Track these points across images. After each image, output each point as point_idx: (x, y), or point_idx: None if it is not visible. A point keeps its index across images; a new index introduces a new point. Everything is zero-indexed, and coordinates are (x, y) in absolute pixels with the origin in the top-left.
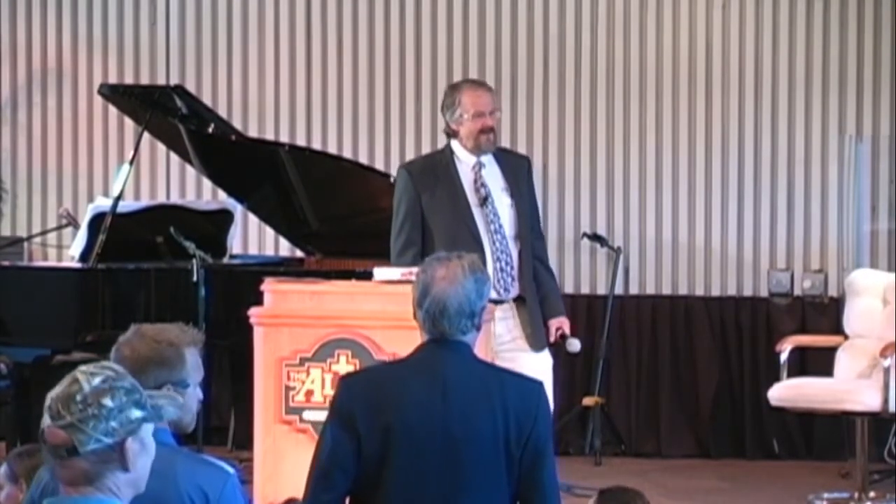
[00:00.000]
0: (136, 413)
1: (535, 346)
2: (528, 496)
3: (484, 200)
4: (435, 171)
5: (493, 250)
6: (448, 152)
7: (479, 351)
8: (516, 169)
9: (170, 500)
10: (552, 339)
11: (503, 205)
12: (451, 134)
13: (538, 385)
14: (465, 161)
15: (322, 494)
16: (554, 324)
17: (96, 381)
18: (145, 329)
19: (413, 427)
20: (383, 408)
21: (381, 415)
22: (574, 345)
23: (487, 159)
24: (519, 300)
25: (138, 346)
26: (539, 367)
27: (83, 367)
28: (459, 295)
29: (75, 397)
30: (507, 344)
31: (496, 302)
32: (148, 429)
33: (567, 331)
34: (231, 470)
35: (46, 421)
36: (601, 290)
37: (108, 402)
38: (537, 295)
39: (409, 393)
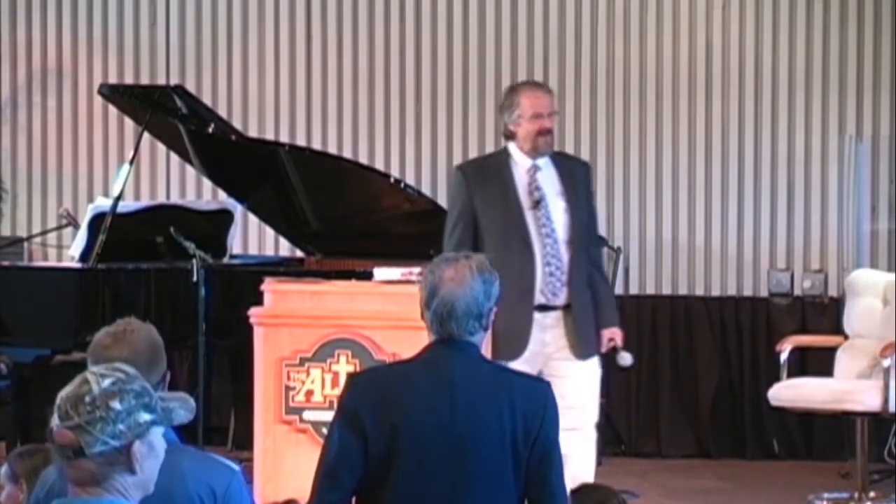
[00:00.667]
0: (145, 416)
1: (582, 354)
2: (536, 496)
3: (537, 203)
4: (490, 172)
5: (542, 254)
6: (504, 154)
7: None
8: (574, 173)
9: (178, 497)
10: (603, 349)
11: (557, 209)
12: (509, 136)
13: (545, 385)
14: (520, 163)
15: (329, 493)
16: (606, 334)
17: (106, 383)
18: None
19: (420, 427)
20: (390, 407)
21: (388, 414)
22: (625, 358)
23: (544, 162)
24: (568, 308)
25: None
26: (586, 376)
27: (94, 368)
28: (467, 296)
29: (84, 398)
30: (554, 353)
31: (544, 308)
32: (157, 432)
33: (619, 342)
34: (236, 467)
35: (55, 420)
36: None
37: (116, 404)
38: (591, 302)
39: (417, 393)
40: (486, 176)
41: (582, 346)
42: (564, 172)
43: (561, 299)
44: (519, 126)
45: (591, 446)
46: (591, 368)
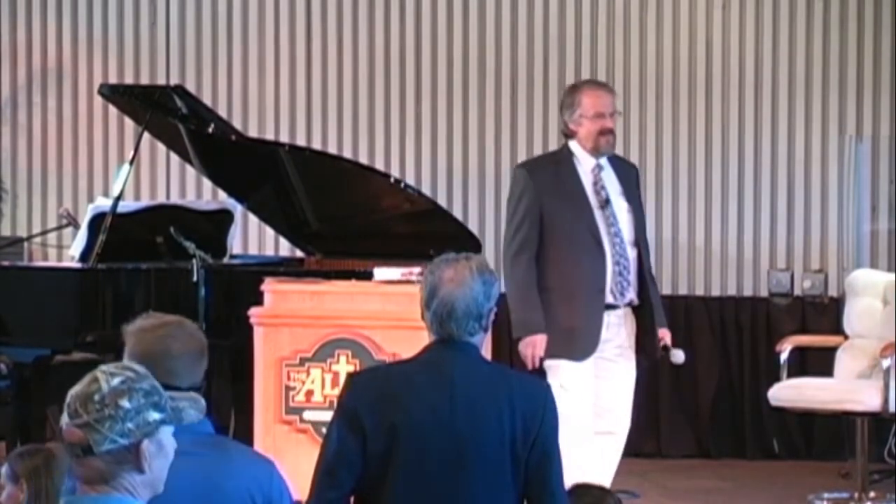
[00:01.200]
0: (154, 415)
1: (651, 353)
2: (536, 496)
3: (605, 203)
4: (555, 170)
5: (612, 253)
6: (567, 152)
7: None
8: (629, 176)
9: (230, 490)
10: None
11: (622, 209)
12: (569, 135)
13: (545, 386)
14: (584, 162)
15: (327, 492)
16: (658, 334)
17: (115, 381)
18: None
19: (419, 427)
20: (390, 407)
21: (387, 414)
22: (678, 356)
23: (604, 162)
24: (631, 307)
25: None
26: (627, 380)
27: (104, 367)
28: (467, 297)
29: (93, 397)
30: (612, 350)
31: (610, 307)
32: (166, 431)
33: (669, 342)
34: (272, 460)
35: (65, 419)
36: None
37: (125, 403)
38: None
39: (416, 393)
40: (552, 174)
41: (652, 344)
42: (622, 173)
43: (627, 299)
44: (580, 125)
45: (618, 455)
46: (633, 372)
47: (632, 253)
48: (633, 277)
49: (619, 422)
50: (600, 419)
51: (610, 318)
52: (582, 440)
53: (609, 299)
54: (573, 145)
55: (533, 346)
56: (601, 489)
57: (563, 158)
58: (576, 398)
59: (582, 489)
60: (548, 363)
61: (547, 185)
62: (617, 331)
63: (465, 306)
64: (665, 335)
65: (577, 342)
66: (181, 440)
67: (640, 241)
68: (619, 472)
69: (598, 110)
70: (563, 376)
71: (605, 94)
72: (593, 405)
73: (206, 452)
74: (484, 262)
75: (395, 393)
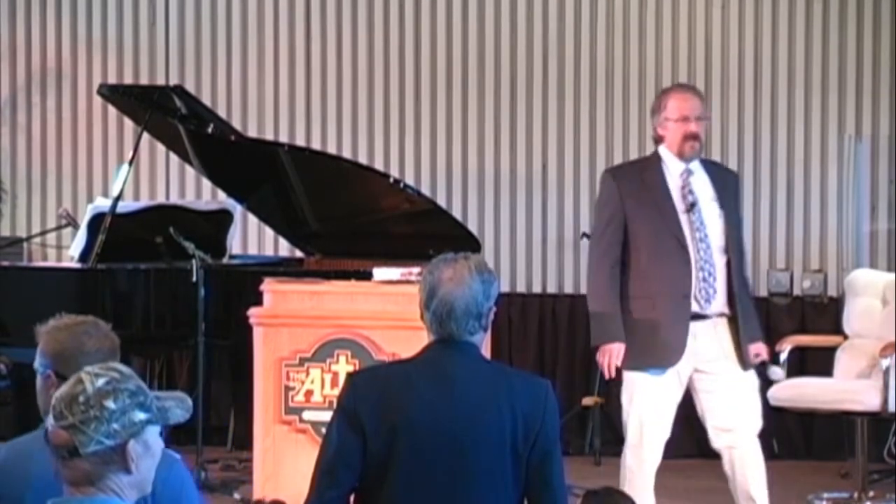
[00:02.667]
0: (140, 416)
1: (741, 368)
2: (537, 495)
3: (691, 207)
4: (641, 175)
5: (696, 259)
6: (655, 158)
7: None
8: (726, 182)
9: None
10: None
11: (712, 214)
12: (658, 139)
13: (545, 385)
14: (672, 167)
15: (327, 491)
16: (753, 349)
17: (100, 382)
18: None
19: (419, 426)
20: (390, 407)
21: (387, 413)
22: (777, 373)
23: (696, 167)
24: (722, 317)
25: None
26: (737, 392)
27: (89, 368)
28: (466, 296)
29: (78, 398)
30: (707, 363)
31: (697, 316)
32: (153, 431)
33: (766, 357)
34: (177, 455)
35: (50, 421)
36: None
37: (110, 403)
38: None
39: (416, 392)
40: (638, 179)
41: (743, 356)
42: (717, 179)
43: (713, 307)
44: (666, 129)
45: (748, 468)
46: (749, 383)
47: (720, 259)
48: (721, 285)
49: (741, 431)
50: (718, 435)
51: (697, 328)
52: (640, 457)
53: (694, 307)
54: (662, 150)
55: (609, 355)
56: (621, 493)
57: (650, 163)
58: (641, 412)
59: (600, 493)
60: (625, 374)
61: (632, 189)
62: (708, 342)
63: (465, 305)
64: (762, 350)
65: (659, 351)
66: None
67: (732, 249)
68: (619, 471)
69: (683, 114)
70: (635, 390)
71: (690, 97)
72: (708, 422)
73: None
74: (482, 261)
75: (395, 392)
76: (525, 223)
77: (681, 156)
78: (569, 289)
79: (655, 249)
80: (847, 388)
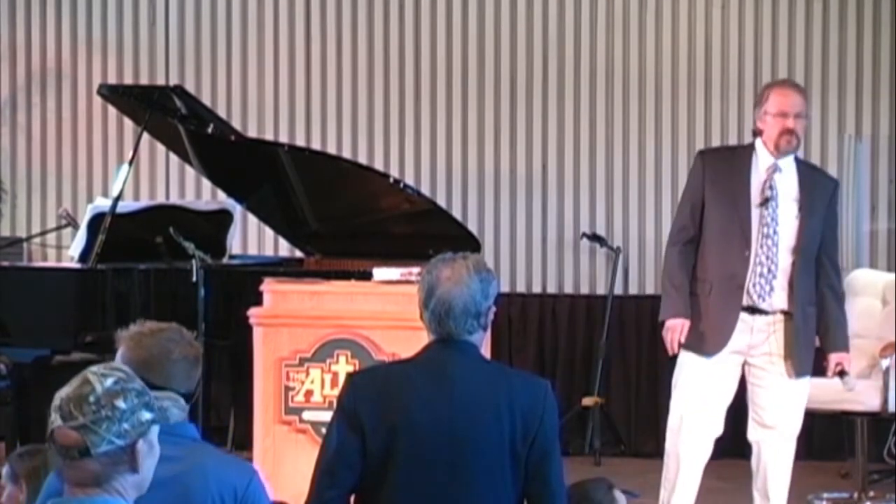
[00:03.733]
0: (147, 415)
1: (793, 372)
2: (536, 495)
3: (765, 201)
4: (730, 162)
5: (756, 252)
6: (750, 149)
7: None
8: (819, 186)
9: (196, 493)
10: (830, 373)
11: (787, 212)
12: (756, 132)
13: (545, 384)
14: (762, 160)
15: (326, 491)
16: (834, 358)
17: (108, 382)
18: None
19: (419, 426)
20: (389, 406)
21: (386, 413)
22: (851, 383)
23: (787, 165)
24: (784, 316)
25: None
26: (788, 393)
27: (93, 368)
28: (465, 295)
29: (88, 398)
30: (761, 357)
31: (754, 310)
32: (155, 430)
33: (847, 368)
34: (255, 467)
35: (57, 422)
36: (601, 290)
37: (121, 403)
38: (821, 322)
39: (416, 392)
40: (726, 165)
41: (795, 362)
42: (807, 181)
43: (771, 304)
44: (764, 122)
45: (780, 466)
46: (798, 387)
47: (786, 258)
48: (782, 283)
49: (777, 430)
50: (756, 429)
51: (755, 322)
52: (677, 442)
53: (749, 300)
54: (758, 143)
55: (672, 331)
56: (599, 481)
57: (743, 153)
58: (685, 396)
59: (577, 484)
60: (680, 354)
61: (716, 174)
62: (765, 338)
63: (463, 304)
64: (844, 360)
65: (706, 336)
66: (164, 442)
67: (808, 251)
68: (619, 472)
69: (782, 109)
70: (682, 373)
71: (792, 94)
72: (750, 413)
73: (180, 455)
74: (481, 260)
75: (395, 392)
76: (525, 223)
77: (776, 150)
78: (569, 289)
79: (720, 236)
80: None
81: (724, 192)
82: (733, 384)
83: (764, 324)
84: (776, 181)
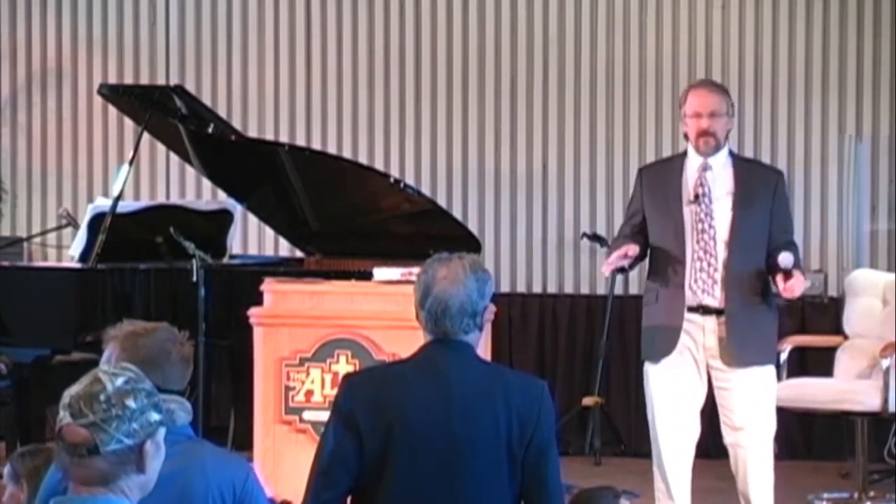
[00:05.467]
0: (155, 416)
1: (737, 362)
2: (532, 495)
3: (696, 198)
4: (664, 171)
5: (693, 248)
6: (682, 154)
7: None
8: (759, 179)
9: (197, 490)
10: (780, 278)
11: (723, 208)
12: (685, 135)
13: (541, 384)
14: (692, 162)
15: (323, 492)
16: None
17: (119, 381)
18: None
19: (415, 427)
20: (385, 407)
21: (383, 414)
22: (786, 259)
23: (718, 163)
24: (722, 313)
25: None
26: (749, 390)
27: (104, 367)
28: (461, 294)
29: (99, 396)
30: (712, 360)
31: (703, 309)
32: (163, 432)
33: (795, 282)
34: (250, 463)
35: (66, 419)
36: (601, 290)
37: (131, 403)
38: (764, 310)
39: (412, 393)
40: (660, 174)
41: (737, 353)
42: (743, 174)
43: (717, 300)
44: (685, 125)
45: (748, 466)
46: (761, 382)
47: (725, 252)
48: (725, 277)
49: (747, 430)
50: (728, 432)
51: (707, 323)
52: (657, 450)
53: (693, 298)
54: (689, 145)
55: (612, 251)
56: (604, 489)
57: (676, 159)
58: (654, 405)
59: (585, 492)
60: (644, 366)
61: (651, 184)
62: (713, 337)
63: (460, 304)
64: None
65: (656, 341)
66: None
67: (745, 244)
68: (619, 472)
69: (696, 109)
70: (648, 383)
71: (705, 93)
72: (721, 417)
73: (177, 453)
74: (477, 260)
75: (391, 393)
76: (525, 223)
77: (697, 150)
78: (569, 289)
79: (659, 240)
80: (847, 389)
81: (659, 199)
82: (699, 386)
83: (716, 325)
84: (707, 178)
